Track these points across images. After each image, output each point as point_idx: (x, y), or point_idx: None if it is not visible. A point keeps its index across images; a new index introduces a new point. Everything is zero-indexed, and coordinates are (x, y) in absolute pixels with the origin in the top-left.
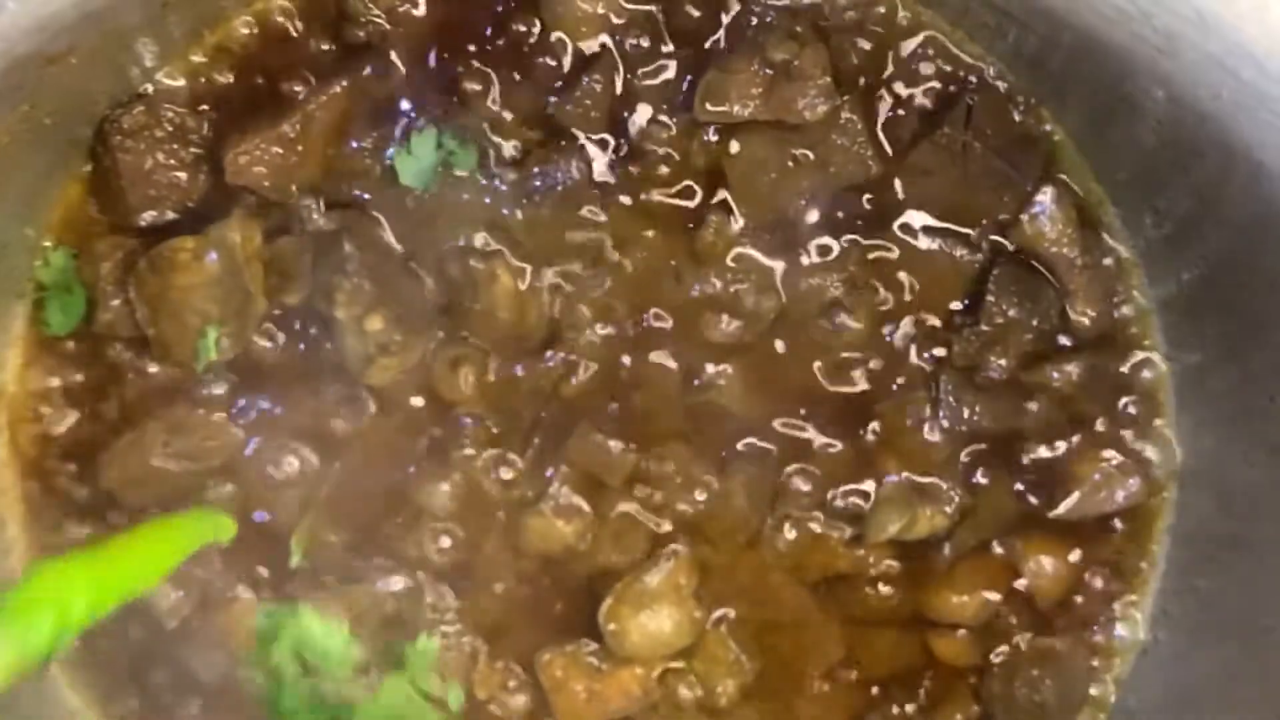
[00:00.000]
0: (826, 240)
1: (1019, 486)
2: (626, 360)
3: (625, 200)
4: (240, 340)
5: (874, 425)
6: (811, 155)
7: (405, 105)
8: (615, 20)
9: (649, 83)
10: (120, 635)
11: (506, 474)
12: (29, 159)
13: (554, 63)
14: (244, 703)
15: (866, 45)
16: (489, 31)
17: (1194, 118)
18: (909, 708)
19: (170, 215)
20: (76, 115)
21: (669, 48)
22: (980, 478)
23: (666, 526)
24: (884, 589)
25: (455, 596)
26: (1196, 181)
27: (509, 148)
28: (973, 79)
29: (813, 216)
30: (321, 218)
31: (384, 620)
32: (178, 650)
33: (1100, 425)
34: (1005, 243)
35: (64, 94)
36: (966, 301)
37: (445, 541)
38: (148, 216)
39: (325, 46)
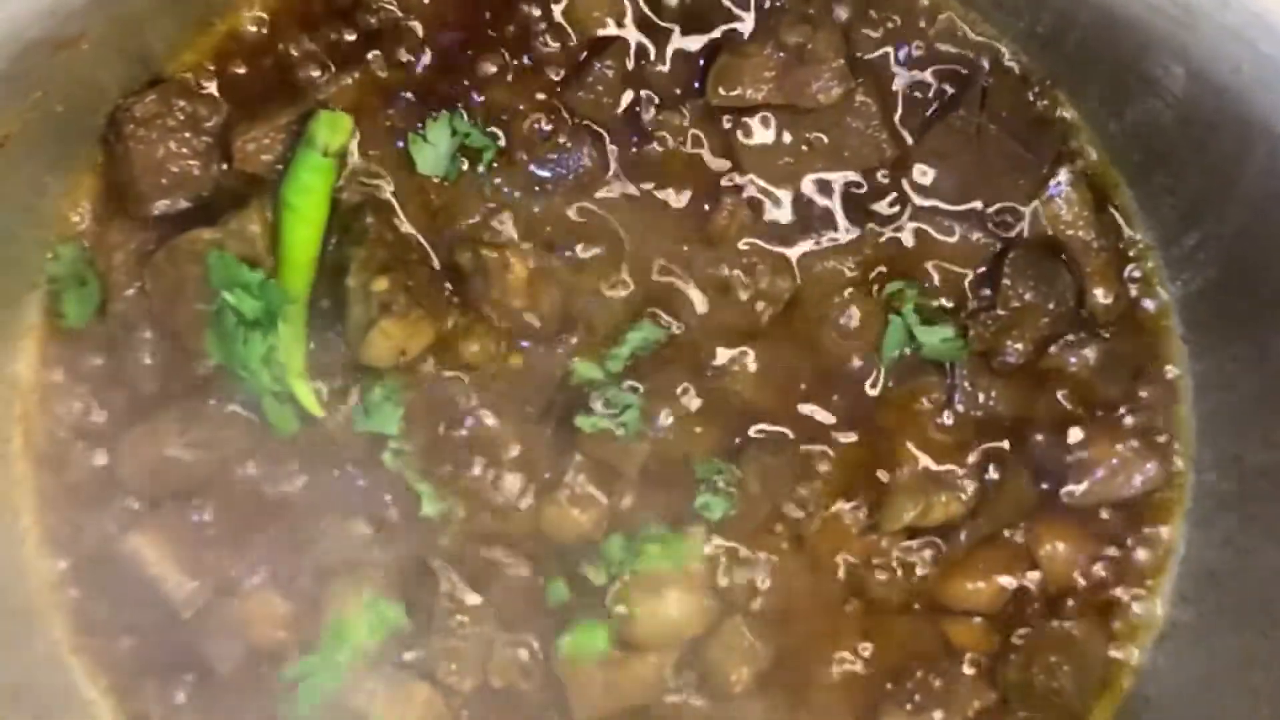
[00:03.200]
0: (841, 224)
1: (1035, 472)
2: None
3: (638, 186)
4: None
5: (889, 411)
6: (825, 139)
7: (418, 92)
8: (627, 5)
9: (661, 67)
10: (135, 625)
11: (520, 463)
12: (41, 148)
13: (566, 48)
14: (260, 692)
15: (881, 28)
16: (502, 17)
17: (1212, 93)
18: (924, 696)
19: (183, 204)
20: (88, 103)
21: (681, 32)
22: (996, 464)
23: None
24: (899, 576)
25: (469, 585)
26: (1214, 159)
27: (522, 134)
28: (987, 61)
29: (827, 201)
30: (344, 192)
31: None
32: (193, 639)
33: (1117, 409)
34: (1021, 226)
35: (76, 82)
36: (983, 285)
37: (458, 530)
38: (160, 206)
39: (337, 33)
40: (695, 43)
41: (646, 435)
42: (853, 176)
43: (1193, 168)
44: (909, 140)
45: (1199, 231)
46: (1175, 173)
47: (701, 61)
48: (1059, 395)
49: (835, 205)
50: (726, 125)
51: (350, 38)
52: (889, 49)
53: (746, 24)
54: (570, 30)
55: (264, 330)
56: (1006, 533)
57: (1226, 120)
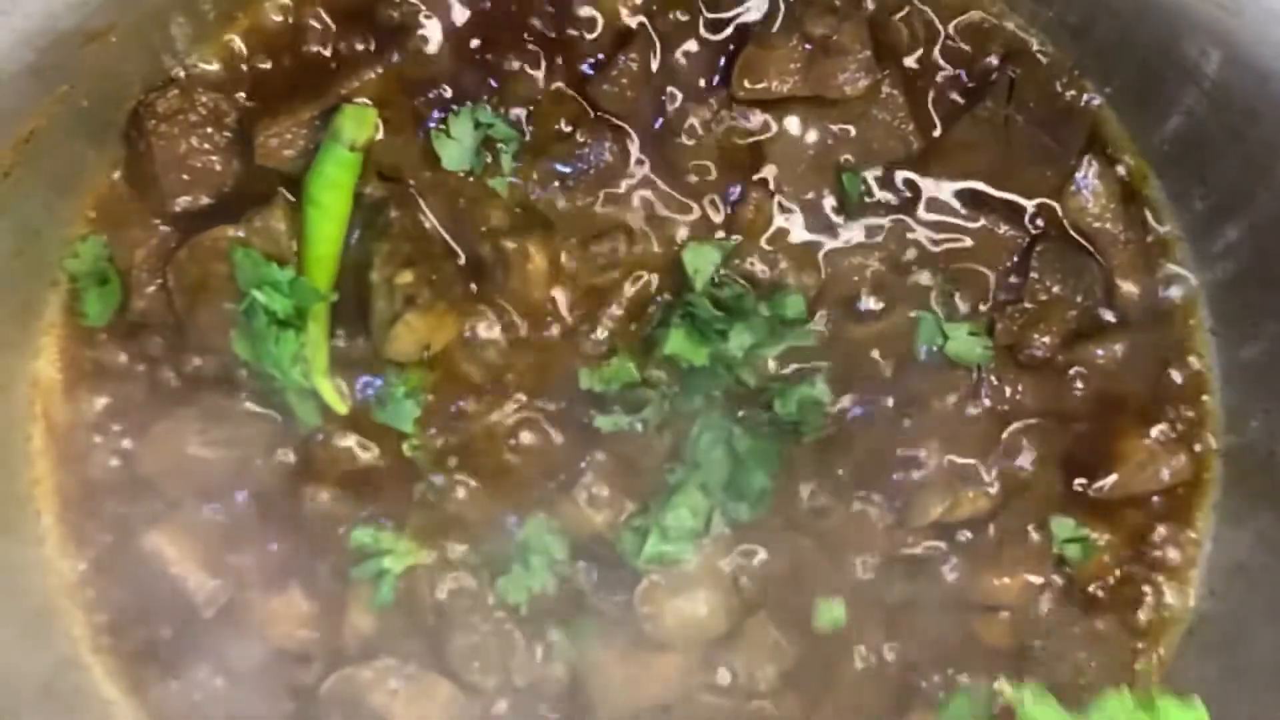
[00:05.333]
0: (866, 218)
1: (1063, 466)
2: None
3: (662, 179)
4: None
5: (916, 405)
6: (851, 131)
7: (441, 87)
8: None
9: (686, 60)
10: (157, 625)
11: (539, 459)
12: (65, 144)
13: (590, 41)
14: (279, 690)
15: (907, 18)
16: (525, 10)
17: (1254, 78)
18: (951, 692)
19: (205, 200)
20: (112, 98)
21: (706, 24)
22: (1024, 458)
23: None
24: (926, 571)
25: (491, 582)
26: (1250, 147)
27: (545, 127)
28: (1015, 51)
29: (853, 194)
30: (368, 186)
31: (424, 606)
32: (215, 639)
33: (1145, 403)
34: (1048, 218)
35: (101, 75)
36: (1010, 278)
37: (480, 527)
38: (182, 202)
39: (360, 27)
40: (719, 35)
41: (666, 431)
42: (879, 168)
43: (1227, 156)
44: (936, 132)
45: (1229, 222)
46: (1207, 162)
47: (726, 54)
48: (1086, 388)
49: (861, 198)
50: (751, 118)
51: (373, 32)
52: (916, 39)
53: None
54: (594, 22)
55: (295, 328)
56: (1034, 528)
57: (1267, 107)
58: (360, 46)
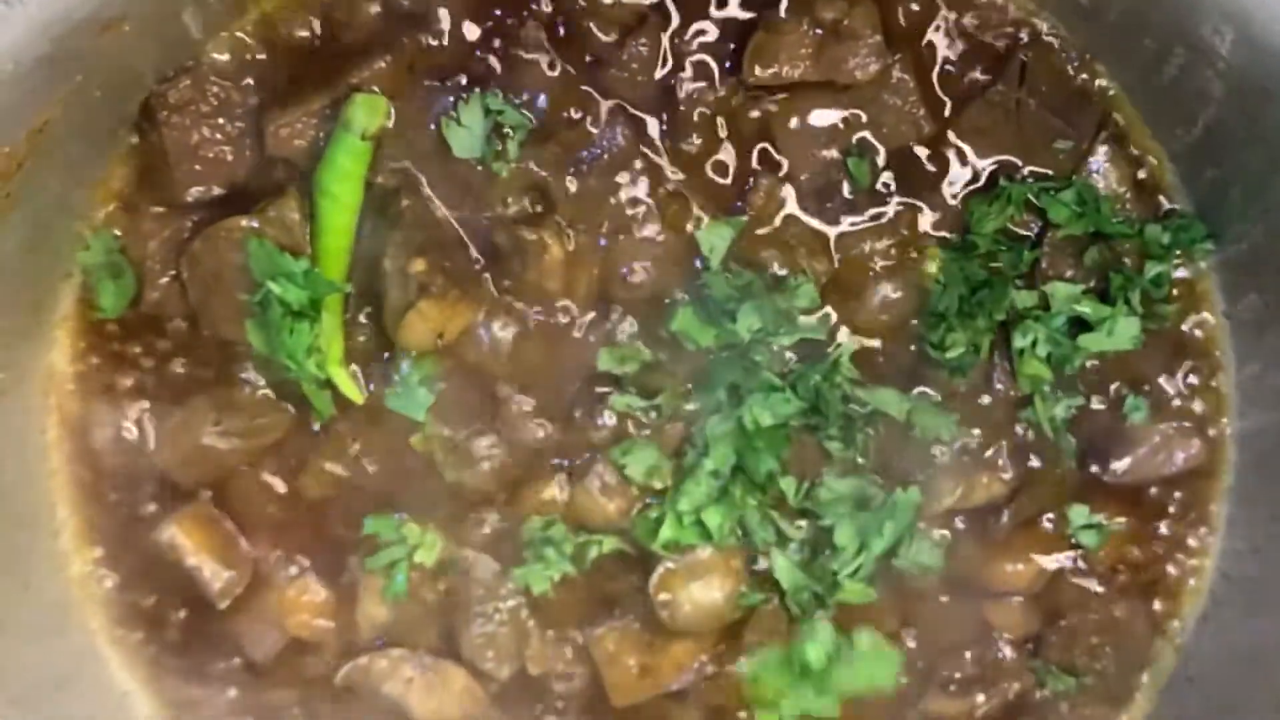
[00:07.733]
0: (878, 202)
1: (1077, 451)
2: None
3: (673, 166)
4: None
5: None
6: (863, 116)
7: (452, 73)
8: None
9: (697, 45)
10: (173, 615)
11: (553, 449)
12: (77, 135)
13: (600, 26)
14: (295, 680)
15: (917, 3)
16: None
17: (1269, 59)
18: (965, 678)
19: (217, 191)
20: (124, 89)
21: (716, 9)
22: (1037, 444)
23: None
24: (940, 558)
25: (504, 573)
26: (1265, 129)
27: (556, 114)
28: (1026, 35)
29: (864, 179)
30: (380, 175)
31: (438, 596)
32: (231, 629)
33: (1158, 387)
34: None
35: (113, 66)
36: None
37: (492, 516)
38: (194, 192)
39: (370, 15)
40: (730, 20)
41: (680, 418)
42: (890, 153)
43: (1241, 138)
44: (947, 116)
45: (1242, 203)
46: (1221, 144)
47: (736, 39)
48: (1099, 373)
49: (872, 183)
50: (762, 103)
51: (383, 19)
52: (926, 24)
53: None
54: (605, 7)
55: (310, 320)
56: (1048, 513)
57: None
58: (370, 35)
